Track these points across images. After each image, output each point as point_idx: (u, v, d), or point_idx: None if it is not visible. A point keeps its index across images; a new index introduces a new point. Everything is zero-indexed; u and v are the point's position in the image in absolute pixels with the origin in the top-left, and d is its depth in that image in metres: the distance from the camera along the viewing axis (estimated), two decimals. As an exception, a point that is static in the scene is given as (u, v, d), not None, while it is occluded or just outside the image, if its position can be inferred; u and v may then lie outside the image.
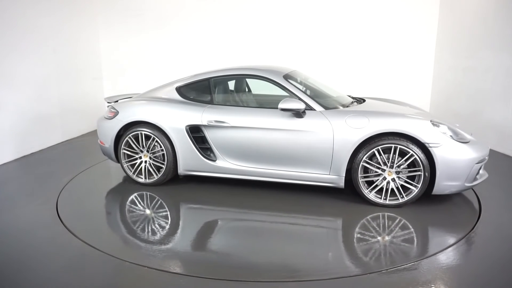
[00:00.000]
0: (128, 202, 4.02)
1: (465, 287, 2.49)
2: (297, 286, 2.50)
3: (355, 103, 4.31)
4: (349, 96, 4.67)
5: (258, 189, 4.19)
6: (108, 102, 4.67)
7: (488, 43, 5.96)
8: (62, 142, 6.75)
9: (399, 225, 3.35)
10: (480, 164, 3.60)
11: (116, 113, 4.38)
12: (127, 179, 4.66)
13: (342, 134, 3.66)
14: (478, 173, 3.68)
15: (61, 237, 3.21)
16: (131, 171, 4.40)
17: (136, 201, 4.05)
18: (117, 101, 4.66)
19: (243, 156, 4.04)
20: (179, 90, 4.43)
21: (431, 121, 3.59)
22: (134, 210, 3.83)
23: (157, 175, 4.30)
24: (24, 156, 5.78)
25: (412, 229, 3.29)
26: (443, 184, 3.55)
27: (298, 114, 3.80)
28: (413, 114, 3.81)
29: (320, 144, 3.73)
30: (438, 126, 3.58)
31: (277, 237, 3.23)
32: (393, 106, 4.30)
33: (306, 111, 3.82)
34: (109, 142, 4.41)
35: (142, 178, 4.36)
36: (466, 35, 6.53)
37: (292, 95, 3.95)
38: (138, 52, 8.16)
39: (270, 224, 3.52)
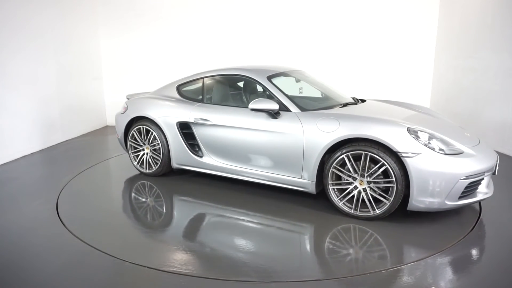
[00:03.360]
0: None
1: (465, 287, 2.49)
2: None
3: (353, 104, 4.20)
4: (353, 98, 4.56)
5: (244, 187, 4.26)
6: (128, 98, 5.11)
7: (488, 43, 5.96)
8: (62, 142, 6.76)
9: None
10: (467, 181, 3.12)
11: (127, 108, 4.82)
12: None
13: (312, 137, 3.49)
14: (474, 189, 3.30)
15: (61, 237, 3.21)
16: (135, 161, 4.75)
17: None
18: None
19: (224, 154, 4.14)
20: (178, 88, 4.71)
21: (408, 128, 3.22)
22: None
23: (155, 166, 4.56)
24: (24, 156, 5.78)
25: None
26: (419, 200, 3.16)
27: (272, 114, 3.75)
28: (391, 120, 3.40)
29: (292, 147, 3.62)
30: (416, 134, 3.20)
31: (254, 237, 3.23)
32: (388, 108, 4.10)
33: (281, 112, 3.75)
34: (120, 134, 4.89)
35: (144, 168, 4.70)
36: (466, 35, 6.53)
37: (271, 95, 3.93)
38: (138, 52, 8.17)
39: (248, 223, 3.50)
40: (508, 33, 5.51)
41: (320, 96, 4.54)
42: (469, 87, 6.48)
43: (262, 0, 7.66)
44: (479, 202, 3.71)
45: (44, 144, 6.30)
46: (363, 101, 4.47)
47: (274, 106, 3.67)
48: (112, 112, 8.36)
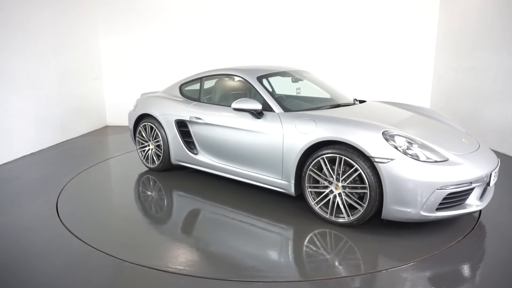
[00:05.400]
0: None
1: (465, 287, 2.49)
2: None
3: (349, 105, 4.11)
4: (354, 99, 4.50)
5: (235, 185, 4.34)
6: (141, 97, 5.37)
7: (488, 43, 5.96)
8: (62, 142, 6.76)
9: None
10: (446, 191, 2.88)
11: (136, 106, 5.07)
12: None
13: (291, 138, 3.44)
14: (462, 199, 3.04)
15: (61, 237, 3.21)
16: (142, 156, 4.99)
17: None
18: None
19: (215, 152, 4.23)
20: (180, 88, 4.89)
21: (383, 132, 3.03)
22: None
23: (157, 162, 4.80)
24: (24, 156, 5.78)
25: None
26: (392, 209, 2.97)
27: (255, 114, 3.75)
28: (368, 123, 3.21)
29: (272, 147, 3.60)
30: (393, 138, 3.01)
31: (238, 235, 3.25)
32: (383, 110, 4.01)
33: (265, 112, 3.72)
34: (131, 130, 5.14)
35: (148, 163, 4.94)
36: (466, 35, 6.54)
37: (258, 94, 3.94)
38: (138, 52, 8.17)
39: (233, 221, 3.52)
40: (508, 33, 5.52)
41: (318, 96, 4.53)
42: (469, 87, 6.48)
43: (265, 1, 7.66)
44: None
45: (44, 144, 6.30)
46: (363, 102, 4.43)
47: (257, 106, 3.66)
48: (112, 112, 8.38)
